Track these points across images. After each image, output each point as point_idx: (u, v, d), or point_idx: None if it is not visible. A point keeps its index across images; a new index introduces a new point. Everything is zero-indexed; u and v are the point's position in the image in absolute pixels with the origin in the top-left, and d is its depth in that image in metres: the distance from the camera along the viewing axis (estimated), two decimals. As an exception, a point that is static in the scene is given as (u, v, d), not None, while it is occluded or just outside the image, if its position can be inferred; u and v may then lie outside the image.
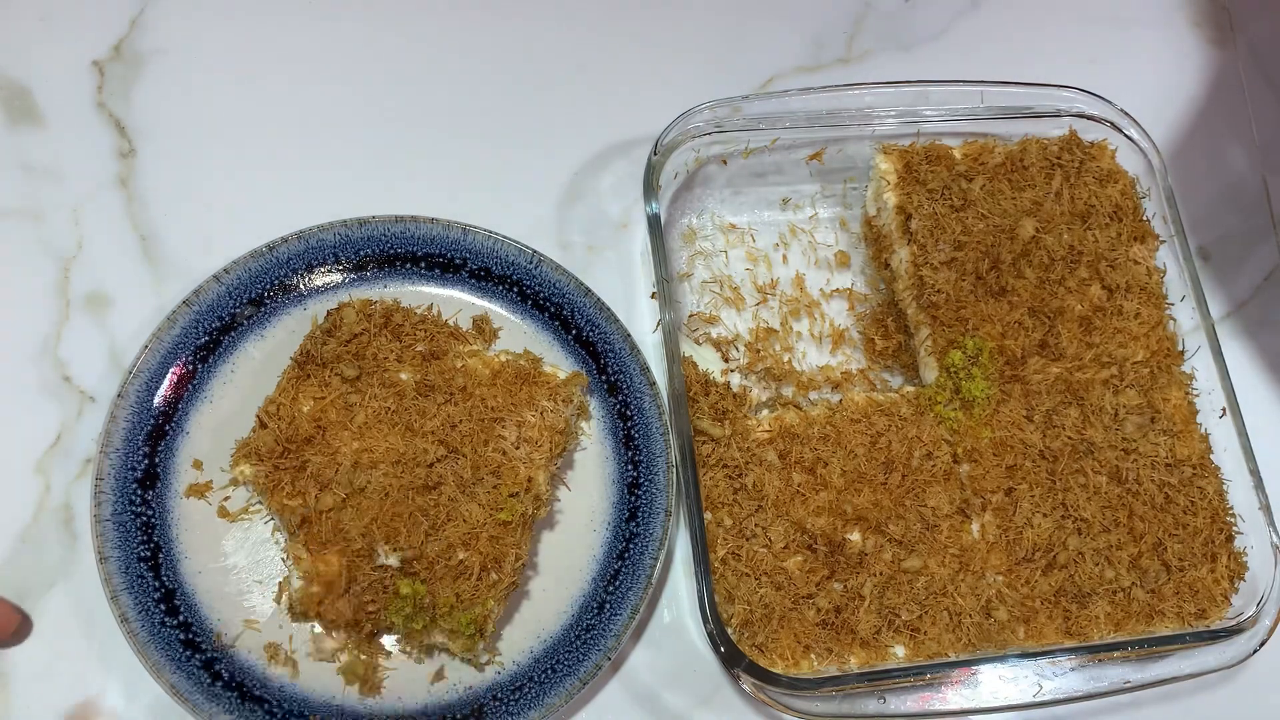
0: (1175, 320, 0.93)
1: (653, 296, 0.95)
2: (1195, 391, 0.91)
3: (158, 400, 0.86)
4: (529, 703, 0.80)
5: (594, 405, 0.91)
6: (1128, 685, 0.82)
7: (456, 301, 0.92)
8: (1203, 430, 0.90)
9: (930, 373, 0.91)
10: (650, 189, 0.90)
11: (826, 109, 0.96)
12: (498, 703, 0.81)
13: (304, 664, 0.81)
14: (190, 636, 0.80)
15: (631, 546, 0.85)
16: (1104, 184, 0.95)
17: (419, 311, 0.88)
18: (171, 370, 0.86)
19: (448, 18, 1.08)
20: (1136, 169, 0.97)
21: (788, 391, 0.94)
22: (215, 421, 0.87)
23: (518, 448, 0.83)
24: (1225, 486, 0.88)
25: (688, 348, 0.95)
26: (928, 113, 0.97)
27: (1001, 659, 0.80)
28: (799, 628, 0.81)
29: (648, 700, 0.86)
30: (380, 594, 0.78)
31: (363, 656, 0.81)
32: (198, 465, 0.85)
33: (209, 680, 0.79)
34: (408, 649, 0.82)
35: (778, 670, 0.79)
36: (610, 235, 1.01)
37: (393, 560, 0.78)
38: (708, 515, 0.84)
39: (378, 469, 0.81)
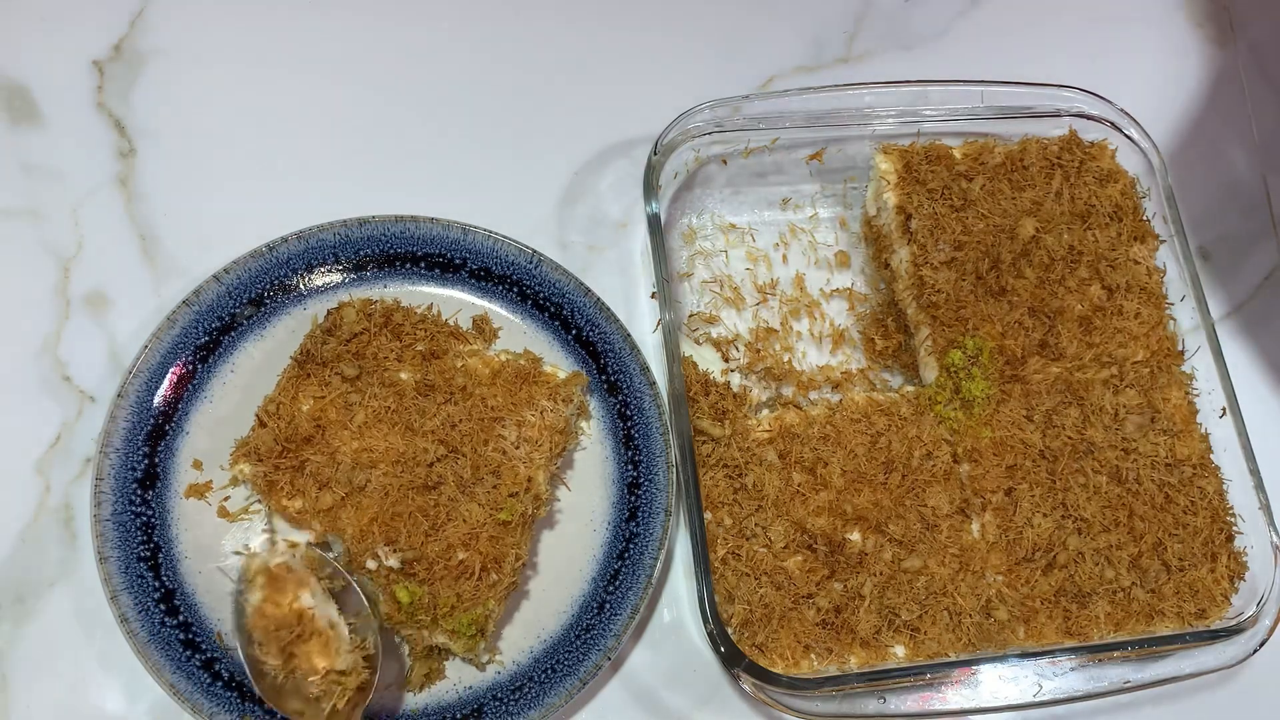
0: (1175, 320, 0.93)
1: (653, 296, 0.95)
2: (1195, 391, 0.91)
3: (158, 400, 0.86)
4: (529, 703, 0.80)
5: (594, 405, 0.90)
6: (1128, 685, 0.82)
7: (456, 301, 0.92)
8: (1203, 430, 0.90)
9: (930, 373, 0.91)
10: (650, 189, 0.90)
11: (826, 109, 0.96)
12: (498, 703, 0.80)
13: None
14: (190, 636, 0.80)
15: (631, 546, 0.85)
16: (1104, 184, 0.95)
17: (419, 311, 0.88)
18: (171, 370, 0.86)
19: (448, 18, 1.08)
20: (1136, 169, 0.97)
21: (788, 391, 0.94)
22: (215, 421, 0.87)
23: (518, 447, 0.82)
24: (1225, 486, 0.88)
25: (688, 348, 0.95)
26: (928, 113, 0.97)
27: (1001, 659, 0.80)
28: (799, 628, 0.81)
29: (648, 700, 0.86)
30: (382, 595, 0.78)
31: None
32: (198, 465, 0.85)
33: (209, 680, 0.79)
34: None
35: (778, 670, 0.79)
36: (610, 235, 1.01)
37: (393, 561, 0.78)
38: (708, 515, 0.84)
39: (377, 469, 0.81)
